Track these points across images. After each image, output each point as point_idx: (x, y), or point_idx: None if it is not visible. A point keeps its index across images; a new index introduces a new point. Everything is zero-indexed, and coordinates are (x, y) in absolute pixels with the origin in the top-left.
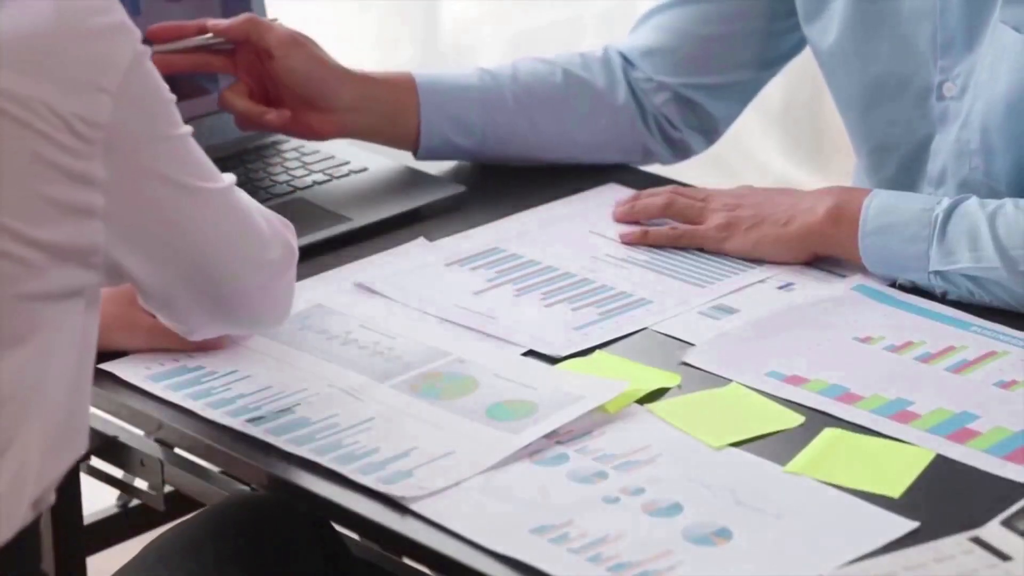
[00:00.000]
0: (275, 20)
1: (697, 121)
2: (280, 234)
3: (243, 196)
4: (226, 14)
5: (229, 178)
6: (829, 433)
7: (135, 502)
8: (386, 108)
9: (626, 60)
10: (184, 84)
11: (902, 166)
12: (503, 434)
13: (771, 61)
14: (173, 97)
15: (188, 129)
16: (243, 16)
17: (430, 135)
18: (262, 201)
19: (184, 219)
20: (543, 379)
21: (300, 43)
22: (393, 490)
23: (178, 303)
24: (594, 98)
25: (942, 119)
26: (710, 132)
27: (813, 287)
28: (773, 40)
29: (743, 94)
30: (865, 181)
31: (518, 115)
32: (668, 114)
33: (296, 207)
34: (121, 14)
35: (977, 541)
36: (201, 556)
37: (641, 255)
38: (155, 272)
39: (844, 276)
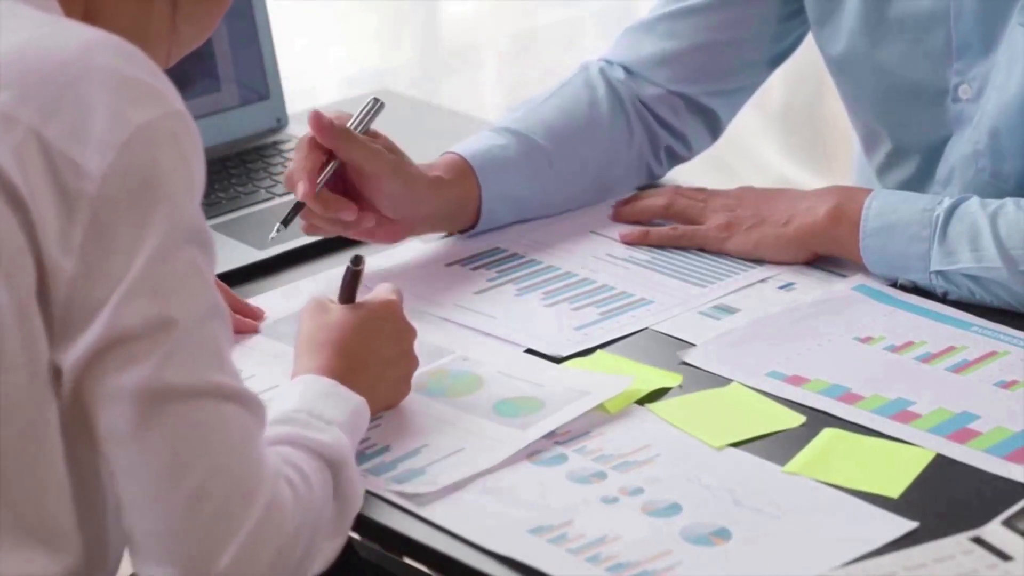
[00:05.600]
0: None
1: (708, 130)
2: (278, 489)
3: (243, 417)
4: (226, 16)
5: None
6: (828, 433)
7: None
8: (453, 209)
9: (632, 77)
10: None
11: (919, 168)
12: (512, 430)
13: (778, 58)
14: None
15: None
16: (340, 130)
17: (485, 221)
18: (262, 201)
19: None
20: (548, 376)
21: (394, 167)
22: (407, 488)
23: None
24: (619, 149)
25: (958, 121)
26: (715, 134)
27: (813, 287)
28: (781, 39)
29: (749, 94)
30: (876, 182)
31: (557, 181)
32: (688, 135)
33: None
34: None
35: (977, 541)
36: None
37: (642, 255)
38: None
39: (845, 276)
